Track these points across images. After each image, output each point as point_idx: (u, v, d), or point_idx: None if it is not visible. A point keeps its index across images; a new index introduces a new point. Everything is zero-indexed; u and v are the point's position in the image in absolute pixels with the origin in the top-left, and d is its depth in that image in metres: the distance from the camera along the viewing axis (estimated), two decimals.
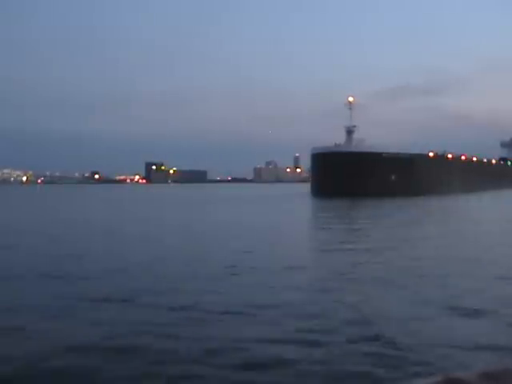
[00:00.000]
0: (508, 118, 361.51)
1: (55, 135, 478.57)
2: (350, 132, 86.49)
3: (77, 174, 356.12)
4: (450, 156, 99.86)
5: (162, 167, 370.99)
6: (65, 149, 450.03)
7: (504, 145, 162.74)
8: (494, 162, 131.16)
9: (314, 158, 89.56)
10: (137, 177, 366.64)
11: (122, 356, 8.65)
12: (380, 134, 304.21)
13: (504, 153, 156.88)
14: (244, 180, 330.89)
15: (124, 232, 29.77)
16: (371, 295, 12.88)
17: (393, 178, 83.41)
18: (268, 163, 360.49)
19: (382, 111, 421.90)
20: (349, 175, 78.79)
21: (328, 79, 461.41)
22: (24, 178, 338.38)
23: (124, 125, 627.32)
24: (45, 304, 12.11)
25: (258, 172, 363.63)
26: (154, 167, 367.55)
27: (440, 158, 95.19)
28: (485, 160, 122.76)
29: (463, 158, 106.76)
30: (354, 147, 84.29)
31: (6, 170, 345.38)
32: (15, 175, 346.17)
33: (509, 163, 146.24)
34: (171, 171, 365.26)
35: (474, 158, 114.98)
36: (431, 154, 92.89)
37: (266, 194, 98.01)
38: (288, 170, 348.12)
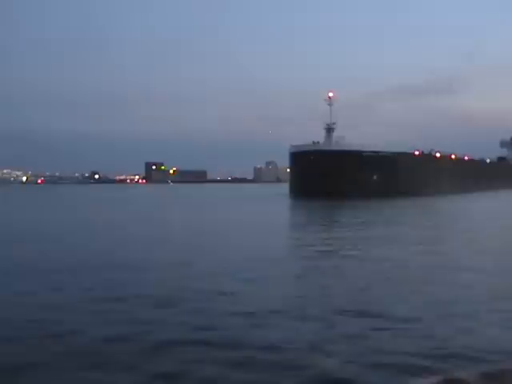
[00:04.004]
0: (509, 119, 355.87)
1: (55, 135, 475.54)
2: (329, 130, 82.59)
3: (77, 174, 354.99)
4: (437, 155, 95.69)
5: (162, 167, 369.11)
6: (65, 149, 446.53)
7: (504, 144, 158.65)
8: (488, 161, 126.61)
9: (292, 158, 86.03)
10: (137, 177, 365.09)
11: None
12: (381, 134, 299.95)
13: (503, 152, 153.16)
14: (244, 180, 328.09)
15: (132, 232, 29.58)
16: None
17: (374, 177, 79.69)
18: (268, 163, 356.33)
19: (384, 111, 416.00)
20: (327, 175, 75.18)
21: (329, 79, 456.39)
22: (24, 178, 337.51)
23: (124, 125, 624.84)
24: None
25: (258, 172, 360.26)
26: (153, 167, 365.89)
27: (426, 157, 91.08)
28: (477, 159, 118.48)
29: (453, 156, 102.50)
30: (334, 145, 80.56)
31: (5, 170, 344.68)
32: (15, 175, 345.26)
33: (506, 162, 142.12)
34: (171, 171, 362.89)
35: (466, 157, 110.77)
36: (417, 153, 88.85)
37: (258, 194, 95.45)
38: (288, 170, 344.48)
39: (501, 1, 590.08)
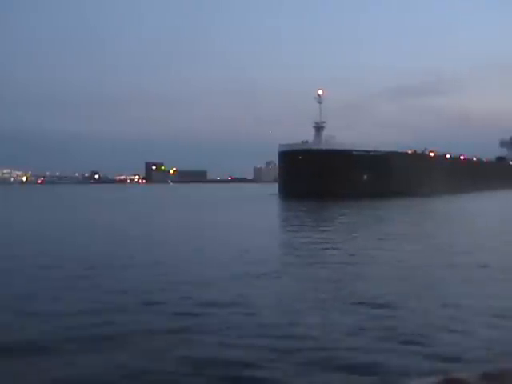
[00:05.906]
0: (507, 119, 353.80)
1: (55, 135, 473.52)
2: (318, 128, 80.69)
3: (77, 174, 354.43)
4: (431, 154, 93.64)
5: (162, 167, 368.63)
6: (65, 149, 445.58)
7: (503, 144, 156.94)
8: (484, 160, 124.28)
9: (280, 157, 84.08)
10: (137, 177, 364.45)
11: None
12: (377, 135, 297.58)
13: (503, 152, 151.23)
14: (244, 180, 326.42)
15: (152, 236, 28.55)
16: None
17: (365, 177, 77.77)
18: (268, 163, 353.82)
19: (379, 112, 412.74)
20: (317, 175, 73.46)
21: (325, 79, 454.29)
22: (24, 178, 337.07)
23: (124, 125, 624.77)
24: None
25: (257, 172, 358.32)
26: (154, 167, 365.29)
27: (420, 156, 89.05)
28: (474, 159, 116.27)
29: (448, 156, 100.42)
30: (323, 145, 78.69)
31: (6, 170, 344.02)
32: (15, 175, 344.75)
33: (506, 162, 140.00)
34: (171, 171, 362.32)
35: (462, 157, 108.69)
36: (409, 152, 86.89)
37: (257, 194, 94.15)
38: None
39: (498, 0, 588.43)
